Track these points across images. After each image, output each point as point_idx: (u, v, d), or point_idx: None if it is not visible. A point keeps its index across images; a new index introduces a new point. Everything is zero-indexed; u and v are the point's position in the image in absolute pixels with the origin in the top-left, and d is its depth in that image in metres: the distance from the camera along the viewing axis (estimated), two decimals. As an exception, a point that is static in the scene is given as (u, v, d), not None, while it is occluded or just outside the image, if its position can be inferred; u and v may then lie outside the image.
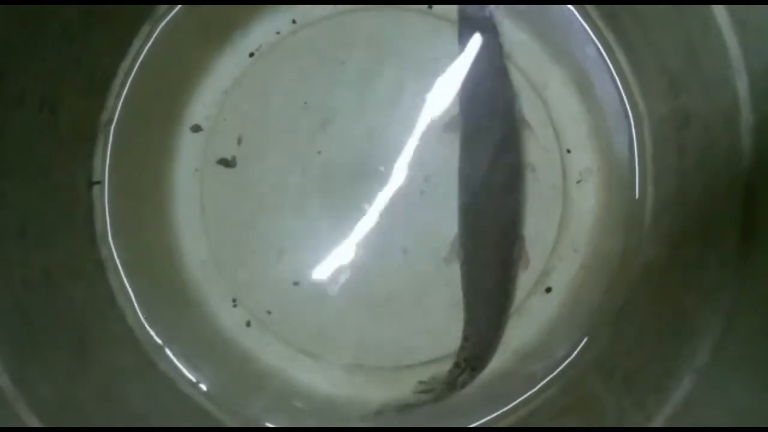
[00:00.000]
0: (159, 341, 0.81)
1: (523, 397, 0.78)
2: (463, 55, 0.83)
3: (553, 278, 0.83)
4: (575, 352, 0.79)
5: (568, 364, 0.79)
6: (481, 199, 0.81)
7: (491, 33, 0.82)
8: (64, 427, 0.63)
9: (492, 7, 0.83)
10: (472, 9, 0.83)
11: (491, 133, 0.81)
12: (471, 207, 0.81)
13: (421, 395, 0.81)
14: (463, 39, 0.83)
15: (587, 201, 0.83)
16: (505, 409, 0.78)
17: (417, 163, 0.84)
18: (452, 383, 0.79)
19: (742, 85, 0.58)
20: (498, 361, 0.80)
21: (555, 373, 0.79)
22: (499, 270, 0.81)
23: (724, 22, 0.58)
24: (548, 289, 0.83)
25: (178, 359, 0.81)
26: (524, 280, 0.82)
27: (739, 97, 0.58)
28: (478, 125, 0.81)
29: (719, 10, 0.58)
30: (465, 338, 0.80)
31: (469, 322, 0.80)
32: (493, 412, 0.78)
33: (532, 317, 0.82)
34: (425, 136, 0.84)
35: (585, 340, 0.79)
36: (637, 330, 0.73)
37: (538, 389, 0.78)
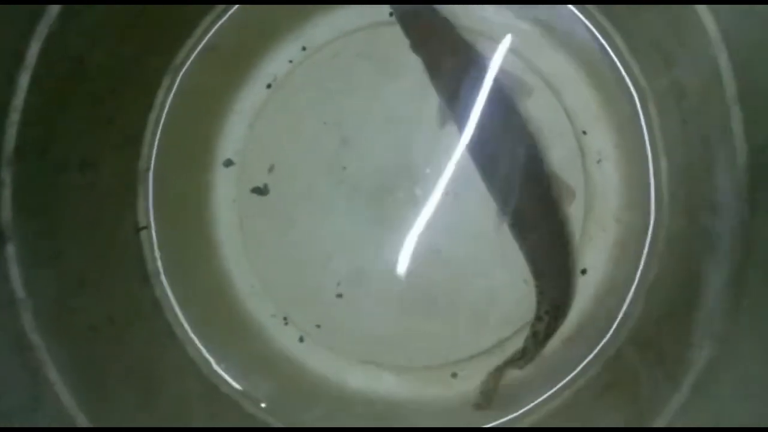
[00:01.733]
0: (219, 367, 0.86)
1: (567, 379, 0.80)
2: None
3: (586, 259, 0.84)
4: (612, 330, 0.80)
5: (607, 342, 0.80)
6: (501, 163, 0.83)
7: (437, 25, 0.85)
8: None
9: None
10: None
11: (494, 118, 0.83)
12: (494, 173, 0.83)
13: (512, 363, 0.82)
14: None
15: (610, 179, 0.84)
16: (551, 392, 0.80)
17: (439, 166, 0.86)
18: (537, 336, 0.81)
19: (722, 55, 0.59)
20: (540, 347, 0.82)
21: (595, 352, 0.80)
22: (546, 217, 0.82)
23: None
24: (583, 271, 0.84)
25: (238, 381, 0.86)
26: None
27: (720, 67, 0.59)
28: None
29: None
30: (540, 293, 0.81)
31: (538, 276, 0.82)
32: (539, 397, 0.80)
33: (568, 304, 0.83)
34: (443, 138, 0.86)
35: (620, 316, 0.80)
36: (665, 302, 0.73)
37: (581, 370, 0.80)
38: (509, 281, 0.85)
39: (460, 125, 0.84)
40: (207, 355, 0.86)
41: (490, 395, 0.82)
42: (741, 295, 0.58)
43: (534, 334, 0.81)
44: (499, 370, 0.82)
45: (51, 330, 0.71)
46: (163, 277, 0.87)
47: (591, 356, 0.80)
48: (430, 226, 0.86)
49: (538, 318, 0.81)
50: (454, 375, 0.86)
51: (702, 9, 0.60)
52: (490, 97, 0.83)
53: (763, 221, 0.58)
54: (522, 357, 0.81)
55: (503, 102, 0.83)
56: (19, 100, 0.69)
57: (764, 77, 0.57)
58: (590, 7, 0.81)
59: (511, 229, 0.83)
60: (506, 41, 0.86)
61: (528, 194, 0.82)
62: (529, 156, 0.82)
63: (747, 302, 0.57)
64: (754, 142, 0.59)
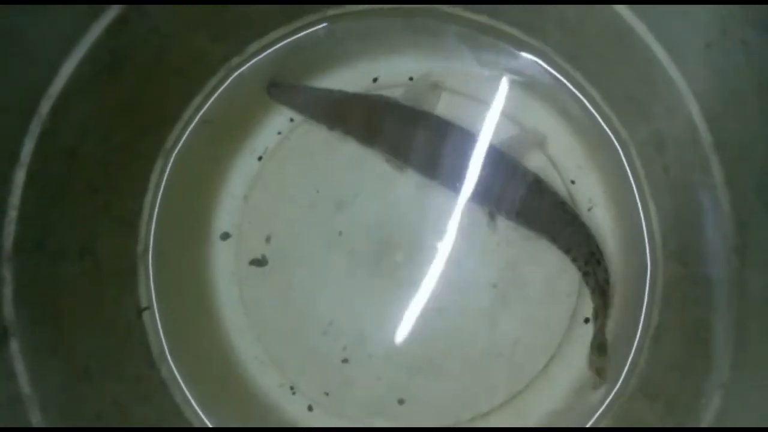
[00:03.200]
0: (230, 443, 0.86)
1: (580, 433, 0.79)
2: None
3: (587, 308, 0.84)
4: (621, 379, 0.79)
5: (617, 393, 0.79)
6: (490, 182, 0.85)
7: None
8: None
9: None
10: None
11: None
12: (487, 195, 0.85)
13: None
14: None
15: (603, 225, 0.85)
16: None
17: (431, 224, 0.87)
18: (595, 289, 0.81)
19: (694, 109, 0.60)
20: (550, 401, 0.82)
21: (606, 404, 0.79)
22: (523, 186, 0.83)
23: (663, 57, 0.60)
24: (586, 320, 0.84)
25: (251, 456, 0.86)
26: (561, 315, 0.84)
27: (695, 119, 0.60)
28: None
29: (656, 46, 0.60)
30: (567, 251, 0.83)
31: (554, 239, 0.83)
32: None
33: (577, 350, 0.83)
34: (433, 198, 0.87)
35: (627, 365, 0.80)
36: (670, 350, 0.73)
37: (594, 423, 0.79)
38: (515, 332, 0.85)
39: (425, 172, 0.86)
40: (217, 434, 0.86)
41: (603, 370, 0.81)
42: (744, 344, 0.58)
43: (593, 291, 0.82)
44: (600, 347, 0.81)
45: (59, 422, 0.70)
46: (168, 357, 0.87)
47: (602, 408, 0.79)
48: (429, 283, 0.87)
49: (585, 273, 0.82)
50: (468, 432, 0.86)
51: (670, 66, 0.61)
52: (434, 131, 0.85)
53: (753, 269, 0.58)
54: (597, 317, 0.81)
55: (451, 129, 0.86)
56: (15, 197, 0.70)
57: (738, 129, 0.58)
58: (561, 61, 0.83)
59: (509, 219, 0.85)
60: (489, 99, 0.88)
61: (497, 180, 0.84)
62: (507, 162, 0.84)
63: (750, 351, 0.57)
64: (737, 190, 0.60)
